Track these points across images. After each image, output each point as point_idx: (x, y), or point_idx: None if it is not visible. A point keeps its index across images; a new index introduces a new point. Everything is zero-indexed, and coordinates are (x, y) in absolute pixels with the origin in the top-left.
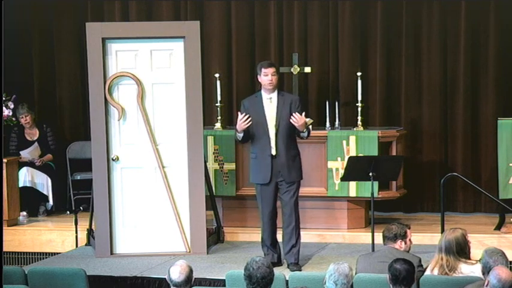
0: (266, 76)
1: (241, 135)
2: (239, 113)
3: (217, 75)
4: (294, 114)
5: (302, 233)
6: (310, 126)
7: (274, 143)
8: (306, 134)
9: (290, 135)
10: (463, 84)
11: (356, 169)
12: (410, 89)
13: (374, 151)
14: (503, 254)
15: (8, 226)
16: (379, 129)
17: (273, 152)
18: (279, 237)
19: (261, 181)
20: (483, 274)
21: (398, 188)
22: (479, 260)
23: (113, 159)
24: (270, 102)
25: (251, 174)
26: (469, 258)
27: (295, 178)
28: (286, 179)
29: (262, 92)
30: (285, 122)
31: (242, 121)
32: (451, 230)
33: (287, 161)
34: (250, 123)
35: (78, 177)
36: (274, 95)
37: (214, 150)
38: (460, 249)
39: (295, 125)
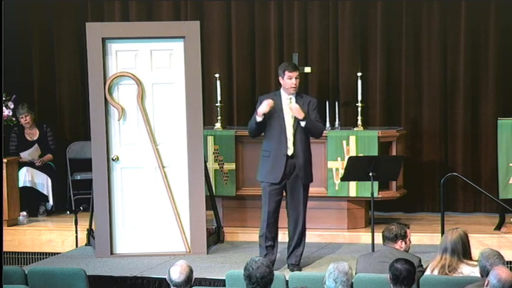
0: (290, 79)
1: (260, 118)
2: (257, 105)
3: (217, 75)
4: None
5: None
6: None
7: (291, 144)
8: (304, 123)
9: (307, 137)
10: (463, 84)
11: (356, 169)
12: (410, 89)
13: (374, 151)
14: (499, 256)
15: (8, 226)
16: (379, 129)
17: (289, 152)
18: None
19: (272, 180)
20: (481, 276)
21: (398, 188)
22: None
23: (113, 159)
24: (289, 102)
25: (260, 172)
26: (471, 259)
27: (309, 180)
28: (302, 181)
29: (282, 91)
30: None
31: (266, 104)
32: (452, 230)
33: (304, 163)
34: (272, 106)
35: (78, 177)
36: (293, 96)
37: (214, 150)
38: (464, 250)
39: (292, 111)
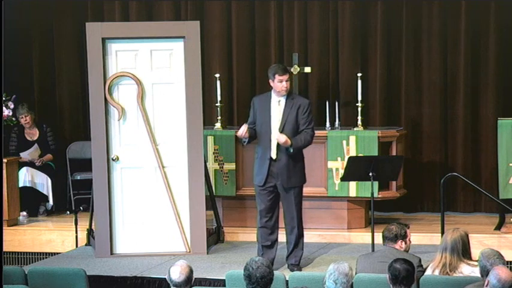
0: (280, 82)
1: (245, 140)
2: (250, 108)
3: (217, 75)
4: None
5: None
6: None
7: (275, 146)
8: (291, 150)
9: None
10: (463, 84)
11: (356, 169)
12: (411, 89)
13: (374, 151)
14: (499, 256)
15: (8, 226)
16: (379, 129)
17: (273, 155)
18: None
19: (257, 182)
20: (481, 276)
21: (398, 188)
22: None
23: (113, 159)
24: (278, 104)
25: (253, 174)
26: (471, 259)
27: (294, 184)
28: (284, 184)
29: (273, 93)
30: (290, 126)
31: (242, 133)
32: (452, 230)
33: (287, 166)
34: (247, 134)
35: (78, 177)
36: (283, 98)
37: (214, 150)
38: (464, 249)
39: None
